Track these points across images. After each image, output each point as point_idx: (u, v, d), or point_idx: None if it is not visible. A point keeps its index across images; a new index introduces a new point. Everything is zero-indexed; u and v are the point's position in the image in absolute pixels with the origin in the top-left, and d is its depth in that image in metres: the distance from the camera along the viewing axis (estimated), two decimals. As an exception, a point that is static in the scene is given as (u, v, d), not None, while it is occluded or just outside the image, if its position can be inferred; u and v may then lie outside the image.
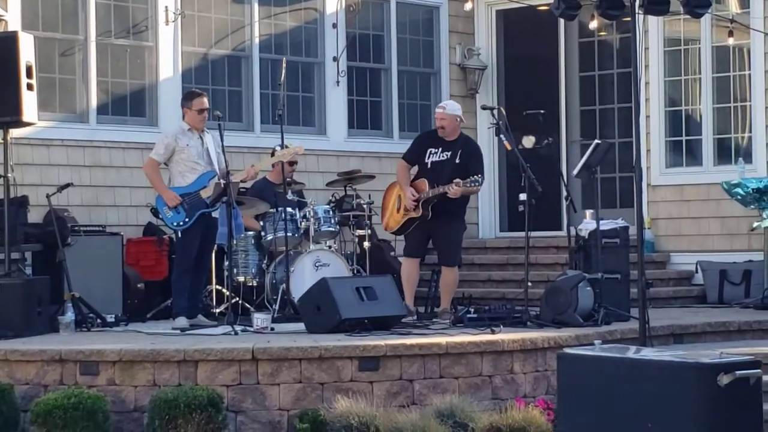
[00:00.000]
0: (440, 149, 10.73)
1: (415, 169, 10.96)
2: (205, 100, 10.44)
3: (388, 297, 9.77)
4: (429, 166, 10.72)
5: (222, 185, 10.15)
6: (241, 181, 10.78)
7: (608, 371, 6.53)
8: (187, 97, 10.51)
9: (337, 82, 13.41)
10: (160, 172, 10.37)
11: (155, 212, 10.78)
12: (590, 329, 9.55)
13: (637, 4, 8.88)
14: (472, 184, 10.44)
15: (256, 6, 12.87)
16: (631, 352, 6.95)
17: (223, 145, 10.24)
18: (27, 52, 9.99)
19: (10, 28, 10.96)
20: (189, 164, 10.27)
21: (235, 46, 12.84)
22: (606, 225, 10.55)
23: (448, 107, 10.85)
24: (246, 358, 8.40)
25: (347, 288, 9.64)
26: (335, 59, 13.39)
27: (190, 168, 10.27)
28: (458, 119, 10.82)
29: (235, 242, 10.60)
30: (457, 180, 10.40)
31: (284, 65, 11.30)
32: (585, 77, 14.07)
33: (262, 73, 12.88)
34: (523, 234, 10.25)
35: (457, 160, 10.63)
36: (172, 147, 10.28)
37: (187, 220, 10.19)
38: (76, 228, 10.81)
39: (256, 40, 12.88)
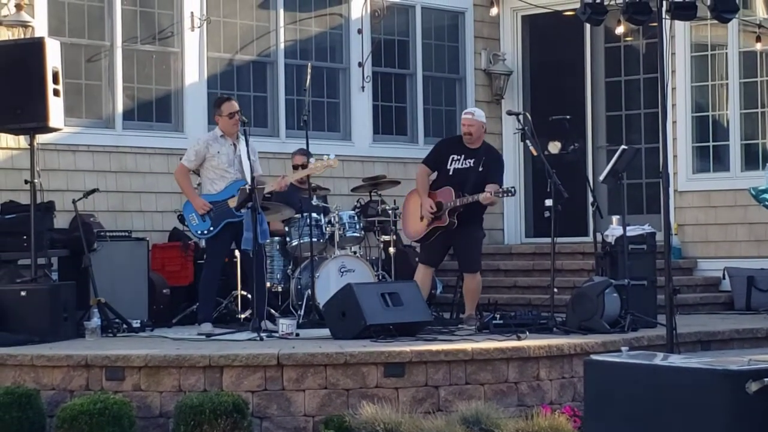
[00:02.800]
0: (463, 156, 10.62)
1: (433, 176, 10.86)
2: (235, 103, 10.44)
3: (413, 303, 9.74)
4: (451, 173, 10.62)
5: (247, 191, 10.13)
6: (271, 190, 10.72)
7: (635, 378, 6.47)
8: (216, 104, 10.51)
9: (362, 87, 13.41)
10: (191, 179, 10.38)
11: (181, 219, 10.79)
12: (617, 336, 9.50)
13: (663, 9, 8.82)
14: (506, 194, 10.39)
15: (281, 11, 12.88)
16: (659, 359, 6.89)
17: (248, 150, 10.23)
18: (53, 58, 10.01)
19: (37, 35, 11.00)
20: (219, 171, 10.27)
21: (261, 51, 12.85)
22: (633, 231, 10.50)
23: (476, 113, 10.76)
24: (271, 363, 8.39)
25: (372, 294, 9.62)
26: (360, 65, 13.38)
27: (220, 176, 10.27)
28: (484, 126, 10.76)
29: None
30: (491, 187, 10.30)
31: (310, 71, 11.30)
32: (611, 82, 14.01)
33: (287, 78, 12.89)
34: (548, 240, 10.19)
35: (480, 168, 10.55)
36: (203, 154, 10.28)
37: (211, 228, 10.19)
38: (102, 233, 10.83)
39: (282, 46, 12.89)
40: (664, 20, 9.12)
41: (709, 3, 9.00)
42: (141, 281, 10.86)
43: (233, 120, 10.30)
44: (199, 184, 10.72)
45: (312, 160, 10.84)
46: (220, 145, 10.33)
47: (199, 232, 10.25)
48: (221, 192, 10.30)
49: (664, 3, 8.84)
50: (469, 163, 10.58)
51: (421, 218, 10.65)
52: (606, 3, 9.01)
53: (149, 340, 9.68)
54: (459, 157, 10.63)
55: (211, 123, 12.09)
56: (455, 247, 10.74)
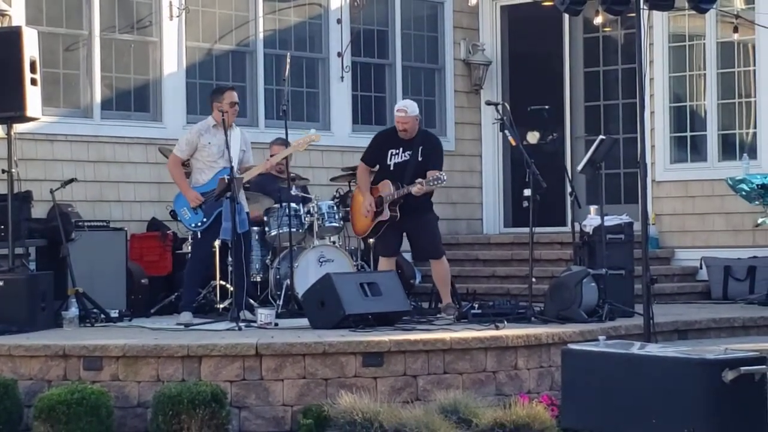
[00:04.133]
0: (401, 149, 10.55)
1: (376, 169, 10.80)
2: (235, 93, 10.41)
3: (392, 293, 9.75)
4: (392, 168, 10.55)
5: (226, 180, 10.12)
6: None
7: (612, 367, 6.52)
8: (218, 92, 10.44)
9: (342, 77, 13.40)
10: (182, 170, 10.35)
11: (173, 214, 10.73)
12: (595, 325, 9.55)
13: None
14: (435, 183, 10.30)
15: (260, 1, 12.85)
16: (636, 348, 6.94)
17: (242, 140, 10.22)
18: (31, 47, 9.97)
19: (14, 23, 10.95)
20: (208, 162, 10.26)
21: (240, 41, 12.83)
22: (610, 221, 10.55)
23: (410, 109, 10.55)
24: (250, 353, 8.40)
25: (351, 283, 9.63)
26: (339, 55, 13.37)
27: (209, 166, 10.26)
28: (418, 118, 10.67)
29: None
30: (420, 180, 10.28)
31: (289, 61, 11.28)
32: (589, 73, 14.04)
33: (266, 68, 12.87)
34: (527, 229, 10.20)
35: (420, 158, 10.49)
36: (194, 143, 10.26)
37: (205, 220, 10.20)
38: (80, 223, 10.80)
39: (261, 36, 12.87)
40: (642, 11, 9.14)
41: (686, -6, 9.03)
42: (119, 271, 10.84)
43: (233, 109, 10.28)
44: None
45: (285, 137, 10.85)
46: (211, 135, 10.29)
47: (193, 225, 10.25)
48: (209, 182, 10.29)
49: (642, -7, 8.85)
50: (407, 155, 10.51)
51: (365, 214, 10.63)
52: (584, -7, 9.02)
53: (127, 330, 9.67)
54: (397, 150, 10.56)
55: (190, 113, 12.11)
56: (410, 238, 10.66)
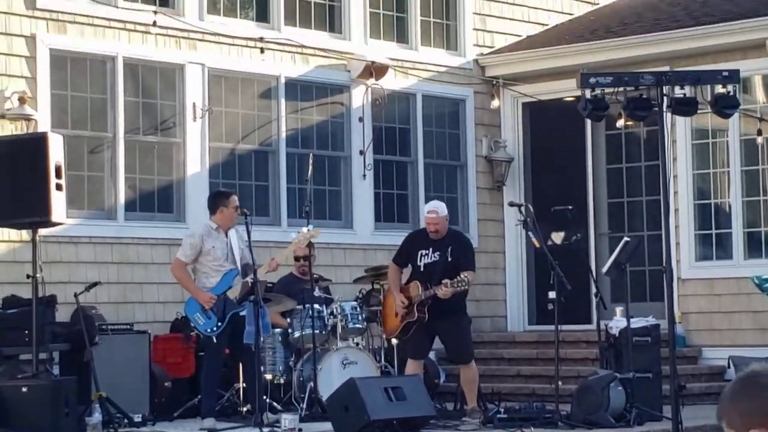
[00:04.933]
0: (431, 250, 10.53)
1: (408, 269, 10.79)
2: (235, 197, 10.46)
3: (416, 397, 9.67)
4: (422, 269, 10.51)
5: (249, 283, 10.10)
6: (266, 273, 10.68)
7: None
8: (222, 197, 10.46)
9: (364, 175, 13.43)
10: (190, 273, 10.34)
11: (185, 320, 10.69)
12: (622, 430, 9.42)
13: (664, 104, 8.84)
14: (460, 285, 10.23)
15: (282, 101, 12.93)
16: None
17: (250, 241, 10.20)
18: (56, 152, 10.02)
19: (40, 127, 11.04)
20: (214, 265, 10.24)
21: (262, 140, 12.89)
22: (637, 323, 10.47)
23: (440, 210, 10.57)
24: (274, 462, 8.30)
25: (376, 388, 9.56)
26: (362, 153, 13.41)
27: (215, 269, 10.24)
28: (447, 218, 10.67)
29: (262, 341, 10.52)
30: (445, 281, 10.22)
31: (311, 161, 11.31)
32: (612, 169, 14.04)
33: (288, 167, 12.91)
34: (552, 327, 10.13)
35: (449, 258, 10.46)
36: (198, 247, 10.26)
37: (220, 324, 10.15)
38: (104, 327, 10.78)
39: (283, 135, 12.93)
40: (665, 114, 9.14)
41: (709, 98, 9.03)
42: (143, 374, 10.80)
43: (237, 212, 10.30)
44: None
45: (293, 235, 10.82)
46: (214, 239, 10.30)
47: (208, 330, 10.21)
48: (218, 285, 10.26)
49: (665, 99, 8.86)
50: (437, 255, 10.48)
51: (396, 314, 10.59)
52: (606, 98, 9.02)
53: (151, 437, 9.59)
54: (427, 251, 10.53)
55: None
56: (442, 340, 10.60)
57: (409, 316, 10.48)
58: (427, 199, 13.85)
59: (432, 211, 10.60)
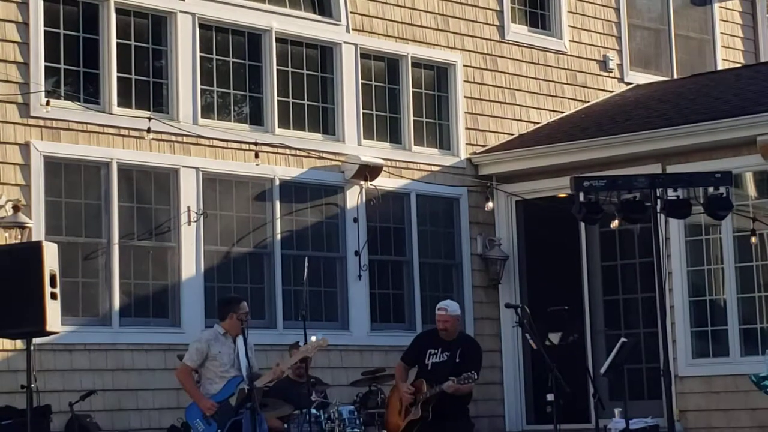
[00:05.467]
0: (440, 350, 10.49)
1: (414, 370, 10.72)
2: (245, 303, 10.40)
3: (416, 504, 9.56)
4: (429, 368, 10.45)
5: (246, 390, 10.03)
6: (268, 383, 10.63)
7: None
8: (234, 302, 10.36)
9: (359, 276, 13.42)
10: (194, 379, 10.26)
11: (186, 426, 10.60)
12: None
13: (658, 207, 8.88)
14: (466, 381, 10.19)
15: (277, 203, 12.97)
16: None
17: (247, 346, 10.15)
18: (51, 261, 9.99)
19: (34, 235, 11.05)
20: (220, 372, 10.15)
21: (257, 243, 12.90)
22: (635, 424, 10.43)
23: (450, 308, 10.53)
24: None
25: (374, 495, 9.45)
26: (357, 253, 13.42)
27: (220, 375, 10.15)
28: (458, 318, 10.66)
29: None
30: (452, 377, 10.20)
31: (307, 264, 11.29)
32: (607, 267, 14.05)
33: (284, 269, 12.91)
34: (550, 426, 10.04)
35: (457, 360, 10.41)
36: (204, 353, 10.18)
37: (220, 431, 10.05)
38: (99, 436, 10.70)
39: (278, 237, 12.94)
40: (659, 216, 9.18)
41: (702, 201, 9.07)
42: (138, 484, 10.69)
43: (240, 320, 10.23)
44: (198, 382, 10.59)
45: (300, 342, 10.76)
46: (221, 344, 10.23)
47: (209, 437, 10.11)
48: (221, 391, 10.17)
49: (659, 201, 8.90)
50: (446, 355, 10.44)
51: (399, 412, 10.50)
52: (600, 201, 9.06)
53: None
54: (436, 350, 10.49)
55: (209, 317, 12.05)
56: None
57: (412, 414, 10.41)
58: (423, 299, 13.89)
59: (442, 308, 10.60)
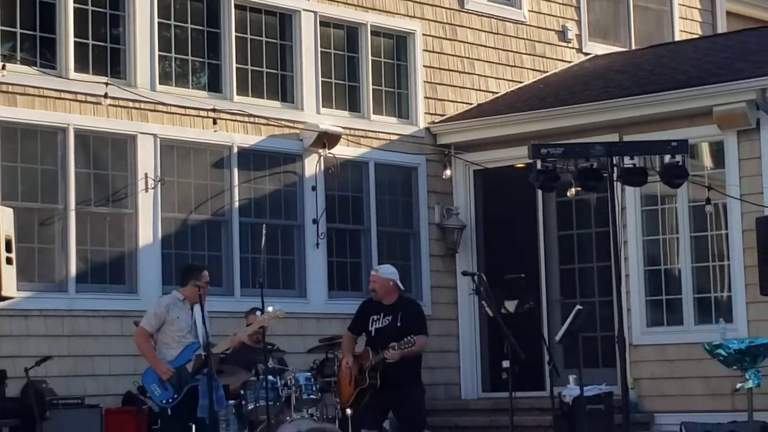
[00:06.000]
0: (382, 315, 10.55)
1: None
2: (207, 273, 10.41)
3: (371, 470, 9.62)
4: (373, 334, 10.52)
5: (203, 357, 10.04)
6: (224, 351, 10.66)
7: None
8: (195, 270, 10.39)
9: (317, 244, 13.43)
10: (152, 343, 10.26)
11: (142, 390, 10.61)
12: (577, 501, 9.42)
13: (614, 175, 8.95)
14: (406, 346, 10.23)
15: (235, 171, 12.94)
16: None
17: (204, 314, 10.17)
18: (7, 226, 9.98)
19: (-10, 200, 10.98)
20: (177, 336, 10.18)
21: (215, 210, 12.88)
22: (590, 391, 10.51)
23: (381, 270, 10.68)
24: None
25: (330, 461, 9.48)
26: (315, 221, 13.43)
27: (177, 340, 10.18)
28: (392, 283, 10.68)
29: (216, 413, 10.43)
30: (392, 344, 10.26)
31: (264, 232, 11.29)
32: (564, 236, 14.13)
33: (242, 237, 12.90)
34: (506, 394, 10.10)
35: (399, 323, 10.46)
36: (163, 317, 10.20)
37: (176, 396, 10.07)
38: (55, 401, 10.67)
39: (236, 204, 12.92)
40: (615, 184, 9.25)
41: (659, 169, 9.15)
42: (94, 449, 10.69)
43: (197, 286, 10.24)
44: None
45: (258, 313, 10.81)
46: (179, 309, 10.25)
47: (164, 401, 10.12)
48: (178, 357, 10.20)
49: (615, 169, 8.97)
50: (387, 320, 10.49)
51: (349, 382, 10.57)
52: (557, 169, 9.12)
53: None
54: (378, 316, 10.56)
55: (166, 284, 12.04)
56: (393, 411, 10.52)
57: (361, 382, 10.45)
58: (381, 267, 13.89)
59: (374, 269, 10.73)
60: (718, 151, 13.10)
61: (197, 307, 10.27)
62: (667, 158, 9.27)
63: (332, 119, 13.61)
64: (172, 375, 10.08)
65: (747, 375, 11.72)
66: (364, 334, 10.66)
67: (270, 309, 10.73)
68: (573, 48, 16.09)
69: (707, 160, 13.26)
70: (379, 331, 10.49)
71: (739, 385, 11.80)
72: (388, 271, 10.69)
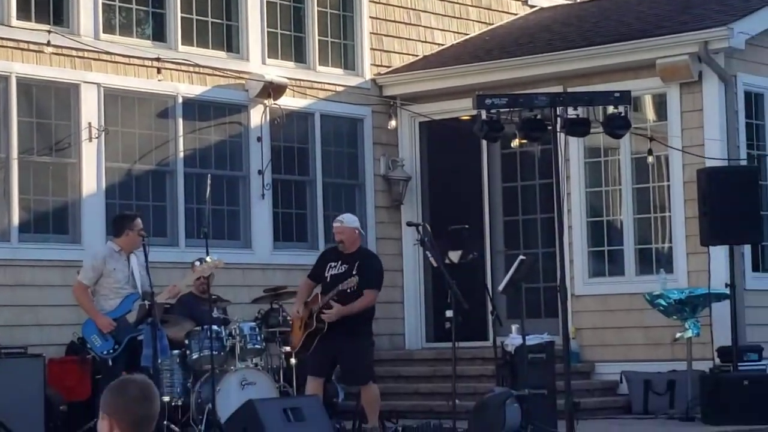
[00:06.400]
0: (340, 263, 10.58)
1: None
2: (140, 220, 10.38)
3: (315, 417, 9.71)
4: (329, 280, 10.55)
5: (147, 306, 10.05)
6: (166, 300, 10.68)
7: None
8: (128, 219, 10.36)
9: (263, 195, 13.42)
10: (91, 296, 10.23)
11: (82, 341, 10.60)
12: (518, 448, 9.55)
13: (558, 125, 9.02)
14: (348, 285, 10.19)
15: (180, 121, 12.88)
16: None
17: (147, 264, 10.16)
18: (-52, 174, 9.89)
19: (-69, 148, 10.87)
20: (114, 288, 10.17)
21: (160, 160, 12.83)
22: (532, 340, 10.61)
23: (346, 220, 10.68)
24: (172, 487, 8.27)
25: (274, 409, 9.57)
26: (260, 172, 13.41)
27: (115, 291, 10.17)
28: (357, 231, 10.73)
29: (160, 362, 10.46)
30: (334, 297, 10.25)
31: (209, 182, 11.28)
32: (508, 188, 14.22)
33: (186, 187, 12.86)
34: (449, 345, 10.21)
35: (354, 272, 10.50)
36: (100, 270, 10.17)
37: (116, 347, 10.07)
38: (-3, 350, 10.63)
39: (181, 155, 12.87)
40: (558, 135, 9.32)
41: (602, 119, 9.23)
42: (37, 398, 10.63)
43: (140, 237, 10.21)
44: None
45: (197, 263, 10.82)
46: (115, 261, 10.23)
47: (104, 352, 10.12)
48: (117, 308, 10.19)
49: (559, 120, 9.03)
50: (344, 267, 10.53)
51: (299, 327, 10.62)
52: (502, 119, 9.17)
53: (46, 462, 9.47)
54: (335, 263, 10.59)
55: (110, 234, 11.97)
56: (340, 360, 10.55)
57: (309, 326, 10.50)
58: (326, 219, 13.92)
59: (338, 221, 10.70)
60: (660, 104, 13.22)
61: (133, 257, 10.26)
62: (610, 109, 9.35)
63: (278, 70, 13.57)
64: (115, 326, 10.07)
65: (686, 325, 11.92)
66: (321, 281, 10.69)
67: (208, 259, 10.74)
68: (518, 1, 16.12)
69: (650, 113, 13.38)
70: (334, 278, 10.50)
71: (678, 335, 11.99)
72: (352, 220, 10.71)
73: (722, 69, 12.62)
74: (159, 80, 12.52)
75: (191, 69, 12.94)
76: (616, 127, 9.22)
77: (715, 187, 11.62)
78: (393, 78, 14.50)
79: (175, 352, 11.16)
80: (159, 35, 12.89)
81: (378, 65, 14.57)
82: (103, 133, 12.21)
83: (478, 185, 14.23)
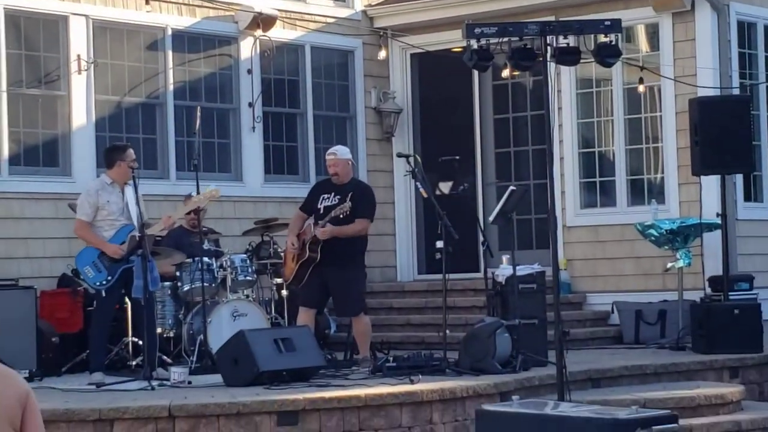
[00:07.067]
0: (332, 194, 10.60)
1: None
2: (132, 151, 10.33)
3: (306, 348, 9.72)
4: (321, 211, 10.57)
5: (137, 238, 10.04)
6: (161, 231, 10.65)
7: (526, 428, 6.55)
8: (119, 150, 10.31)
9: (253, 127, 13.38)
10: (92, 230, 10.19)
11: (75, 273, 10.61)
12: (509, 376, 9.59)
13: (548, 54, 8.95)
14: (340, 211, 10.24)
15: (170, 53, 12.80)
16: (549, 408, 6.98)
17: (138, 195, 10.15)
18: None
19: None
20: (109, 220, 10.15)
21: (149, 93, 12.76)
22: (522, 270, 10.62)
23: (339, 152, 10.68)
24: (163, 415, 8.30)
25: (265, 340, 9.59)
26: (251, 105, 13.36)
27: (110, 224, 10.15)
28: (350, 162, 10.74)
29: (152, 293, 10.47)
30: (327, 218, 10.34)
31: (199, 114, 11.22)
32: (499, 119, 14.17)
33: (176, 120, 12.81)
34: (440, 276, 10.22)
35: (347, 202, 10.53)
36: (95, 203, 10.15)
37: (109, 278, 10.07)
38: (-12, 283, 10.64)
39: (171, 87, 12.81)
40: (549, 64, 9.25)
41: (592, 48, 9.17)
42: (29, 330, 10.65)
43: (131, 167, 10.17)
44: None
45: (193, 193, 10.79)
46: (109, 193, 10.20)
47: (98, 283, 10.12)
48: (112, 239, 10.19)
49: (549, 49, 8.97)
50: (337, 198, 10.54)
51: (293, 258, 10.64)
52: (492, 48, 9.10)
53: (37, 392, 9.44)
54: (329, 195, 10.61)
55: (100, 167, 11.95)
56: (331, 290, 10.58)
57: (301, 256, 10.53)
58: (317, 151, 13.90)
59: (331, 153, 10.71)
60: (653, 34, 13.14)
61: (128, 189, 10.23)
62: (600, 38, 9.28)
63: (268, 1, 13.46)
64: (124, 252, 10.03)
65: (678, 255, 11.94)
66: (313, 213, 10.70)
67: (206, 188, 10.72)
68: (511, -69, 15.94)
69: (643, 43, 13.31)
70: (327, 208, 10.53)
71: (669, 265, 12.02)
72: (344, 152, 10.72)
73: (715, -2, 12.54)
74: (147, 11, 12.42)
75: (180, 0, 12.84)
76: (607, 55, 9.14)
77: (707, 116, 11.58)
78: (384, 9, 14.40)
79: (167, 284, 11.19)
80: (147, -34, 12.76)
81: (369, -4, 14.47)
82: (93, 65, 12.14)
83: (469, 117, 14.19)
